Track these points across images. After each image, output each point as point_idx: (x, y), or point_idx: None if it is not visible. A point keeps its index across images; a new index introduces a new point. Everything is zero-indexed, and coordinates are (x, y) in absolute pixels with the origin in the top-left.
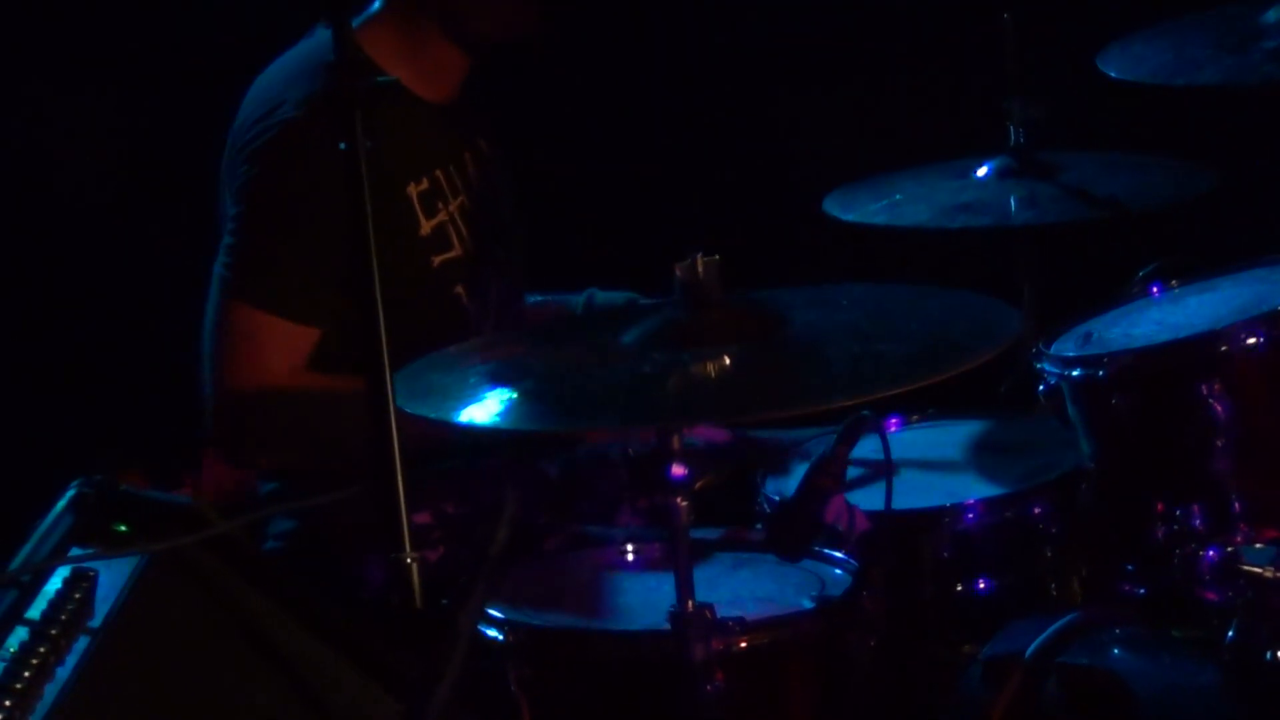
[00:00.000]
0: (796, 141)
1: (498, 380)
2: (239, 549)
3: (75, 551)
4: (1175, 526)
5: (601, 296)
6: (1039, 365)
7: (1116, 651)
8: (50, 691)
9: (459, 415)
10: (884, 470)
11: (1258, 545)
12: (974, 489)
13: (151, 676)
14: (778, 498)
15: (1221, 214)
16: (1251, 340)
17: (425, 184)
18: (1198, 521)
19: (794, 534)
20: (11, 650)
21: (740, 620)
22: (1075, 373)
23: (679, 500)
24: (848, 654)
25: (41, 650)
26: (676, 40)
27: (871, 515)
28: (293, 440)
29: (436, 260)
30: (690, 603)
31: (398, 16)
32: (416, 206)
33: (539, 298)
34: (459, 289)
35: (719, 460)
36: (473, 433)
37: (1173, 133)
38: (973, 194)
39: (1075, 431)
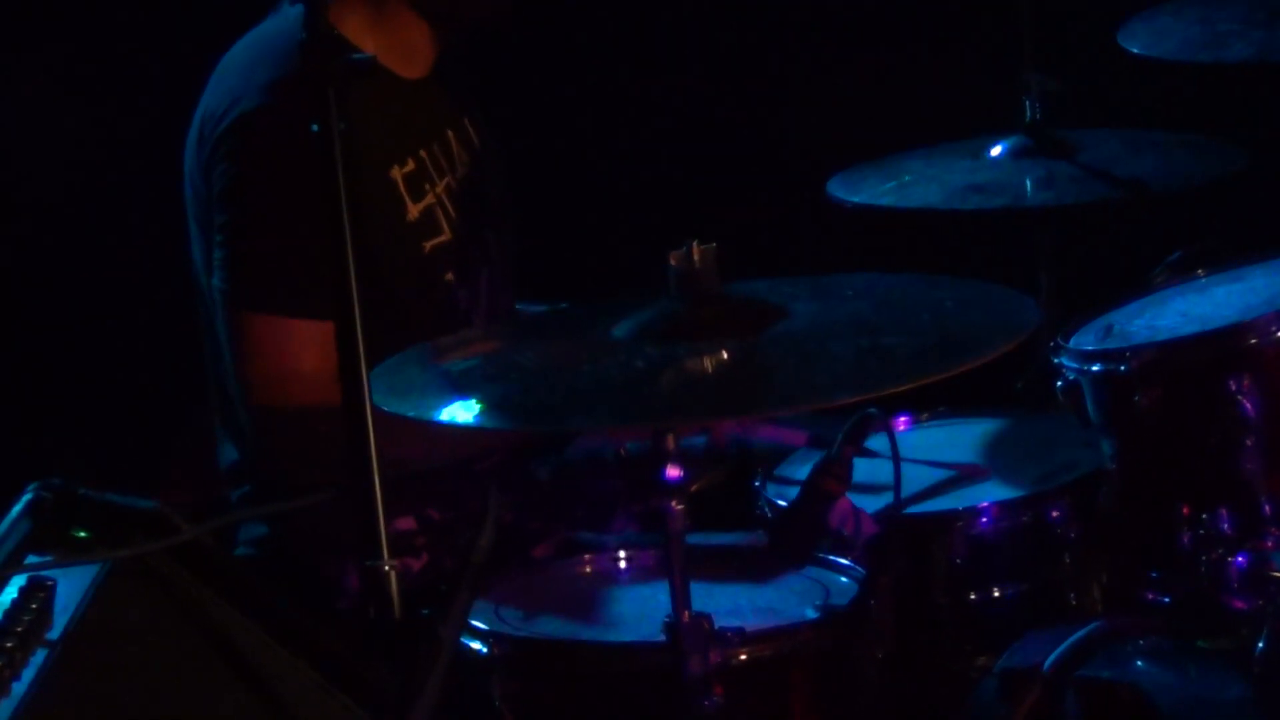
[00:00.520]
0: (798, 120)
1: (481, 377)
2: (207, 556)
3: (32, 559)
4: (1202, 531)
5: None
6: (1057, 359)
7: (1139, 664)
8: (5, 708)
9: (440, 414)
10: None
11: None
12: (988, 491)
13: (113, 691)
14: (780, 501)
15: (1251, 197)
16: None
17: (410, 165)
18: (1226, 525)
19: (797, 539)
20: None
21: (740, 631)
22: (1095, 367)
23: (674, 504)
24: (854, 667)
25: None
26: (673, 11)
27: (879, 519)
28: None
29: (427, 245)
30: (687, 613)
31: None
32: (402, 189)
33: (539, 308)
34: (450, 275)
35: (717, 461)
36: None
37: (1199, 110)
38: (986, 175)
39: (1095, 430)
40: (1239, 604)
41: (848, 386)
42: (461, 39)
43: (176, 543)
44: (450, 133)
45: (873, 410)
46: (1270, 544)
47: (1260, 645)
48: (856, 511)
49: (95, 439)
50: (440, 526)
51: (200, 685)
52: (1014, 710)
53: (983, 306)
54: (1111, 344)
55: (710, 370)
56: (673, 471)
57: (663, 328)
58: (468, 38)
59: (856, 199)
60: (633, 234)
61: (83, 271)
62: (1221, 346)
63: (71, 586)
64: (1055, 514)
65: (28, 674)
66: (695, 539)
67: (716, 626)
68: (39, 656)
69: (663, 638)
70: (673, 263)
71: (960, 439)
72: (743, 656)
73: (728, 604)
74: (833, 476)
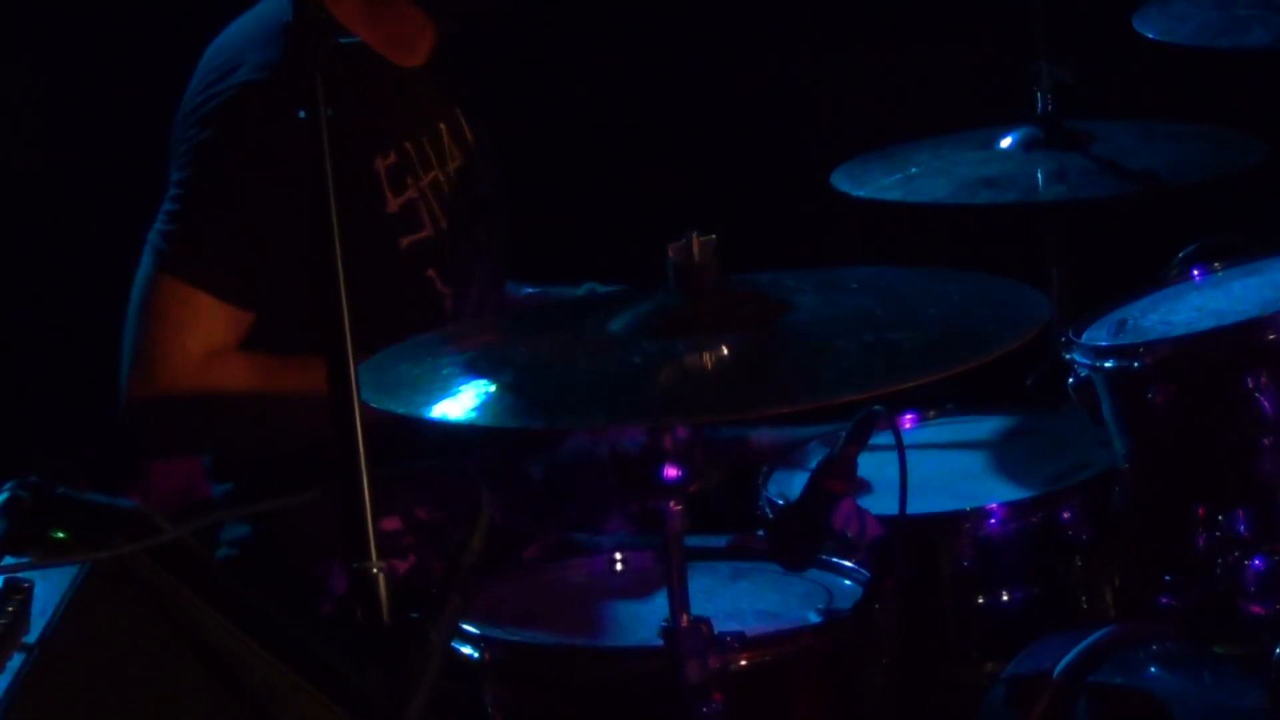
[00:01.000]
0: (802, 110)
1: (474, 372)
2: (188, 557)
3: (8, 560)
4: (1218, 533)
5: (604, 291)
6: (1069, 356)
7: (1153, 670)
8: None
9: (430, 410)
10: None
11: None
12: (997, 492)
13: (92, 695)
14: (781, 501)
15: (1269, 189)
16: None
17: (393, 157)
18: (1242, 527)
19: (799, 541)
20: None
21: (740, 636)
22: (1108, 364)
23: (672, 504)
24: (857, 673)
25: None
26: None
27: (884, 520)
28: (203, 431)
29: (404, 241)
30: (685, 617)
31: None
32: (383, 181)
33: (531, 290)
34: (431, 272)
35: (716, 460)
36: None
37: (1216, 100)
38: (996, 167)
39: (1108, 429)
40: (1256, 608)
41: (852, 383)
42: (459, 26)
43: (157, 544)
44: (442, 125)
45: (878, 408)
46: None
47: (1278, 651)
48: (860, 512)
49: (74, 436)
50: (428, 527)
51: (181, 689)
52: (1023, 718)
53: (992, 301)
54: (1125, 340)
55: (710, 366)
56: (671, 471)
57: (661, 322)
58: (465, 25)
59: (862, 192)
60: (632, 225)
61: (61, 267)
62: (1238, 342)
63: (49, 588)
64: (1066, 515)
65: (4, 679)
66: (694, 540)
67: (716, 631)
68: (16, 660)
69: (660, 642)
70: (672, 255)
71: (968, 437)
72: (743, 662)
73: (727, 607)
74: (836, 476)
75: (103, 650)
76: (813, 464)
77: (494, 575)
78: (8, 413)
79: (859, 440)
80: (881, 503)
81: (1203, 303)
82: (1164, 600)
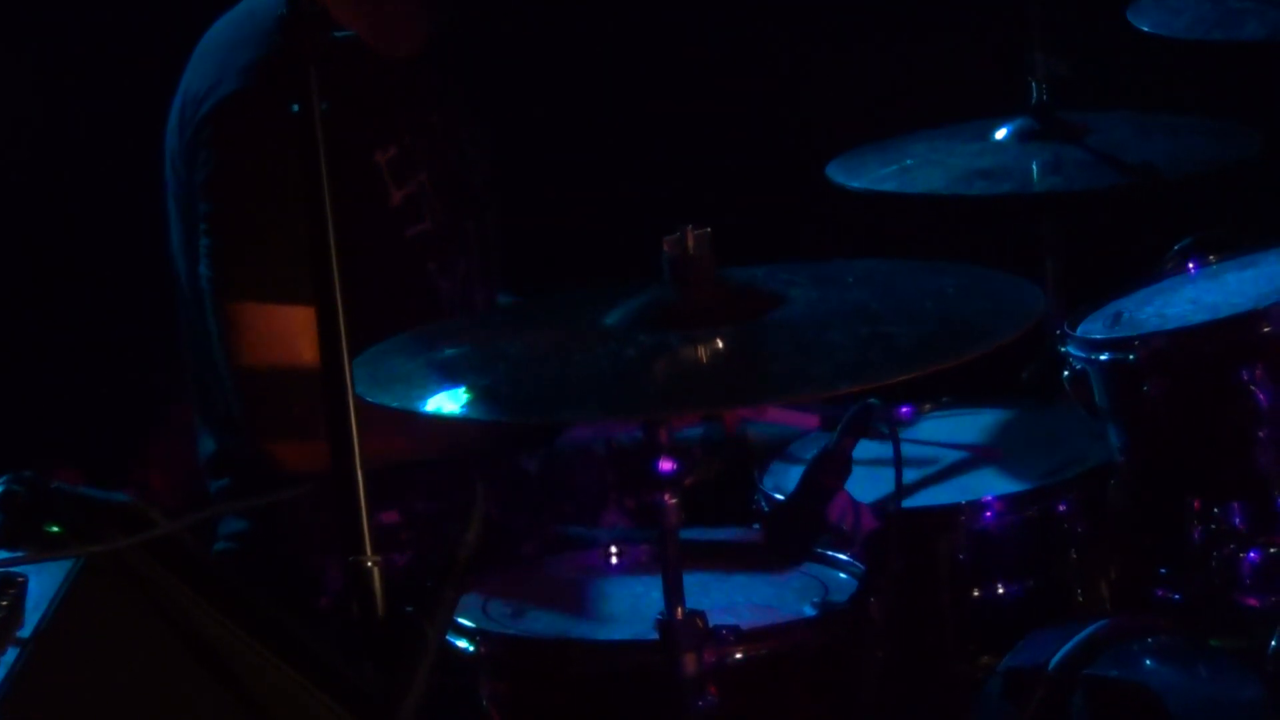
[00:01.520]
0: (797, 102)
1: (468, 366)
2: (183, 552)
3: (2, 555)
4: (1213, 526)
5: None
6: (1064, 349)
7: (1149, 663)
8: None
9: (425, 404)
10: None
11: None
12: (993, 485)
13: (86, 691)
14: (777, 495)
15: (1264, 182)
16: None
17: (393, 150)
18: (1238, 520)
19: (794, 534)
20: None
21: (735, 629)
22: (1104, 357)
23: (668, 498)
24: (853, 666)
25: None
26: None
27: (879, 513)
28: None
29: (409, 233)
30: (680, 610)
31: None
32: (386, 175)
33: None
34: (432, 265)
35: (711, 453)
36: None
37: (1212, 92)
38: (991, 158)
39: (1103, 422)
40: (1251, 601)
41: (848, 376)
42: (453, 20)
43: (152, 538)
44: (435, 117)
45: (873, 401)
46: None
47: (1274, 644)
48: (856, 505)
49: (72, 431)
50: (426, 520)
51: (176, 685)
52: (1019, 711)
53: (987, 294)
54: (1120, 332)
55: (705, 359)
56: (666, 464)
57: (656, 315)
58: (459, 19)
59: (857, 184)
60: (626, 218)
61: (58, 262)
62: (1233, 335)
63: (44, 583)
64: (1062, 508)
65: None
66: (689, 534)
67: (711, 624)
68: (10, 655)
69: (655, 636)
70: (666, 248)
71: (964, 430)
72: (738, 655)
73: (723, 601)
74: (831, 470)
75: (97, 645)
76: (808, 457)
77: (489, 569)
78: (6, 408)
79: (854, 434)
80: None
81: (1198, 295)
82: (1160, 593)
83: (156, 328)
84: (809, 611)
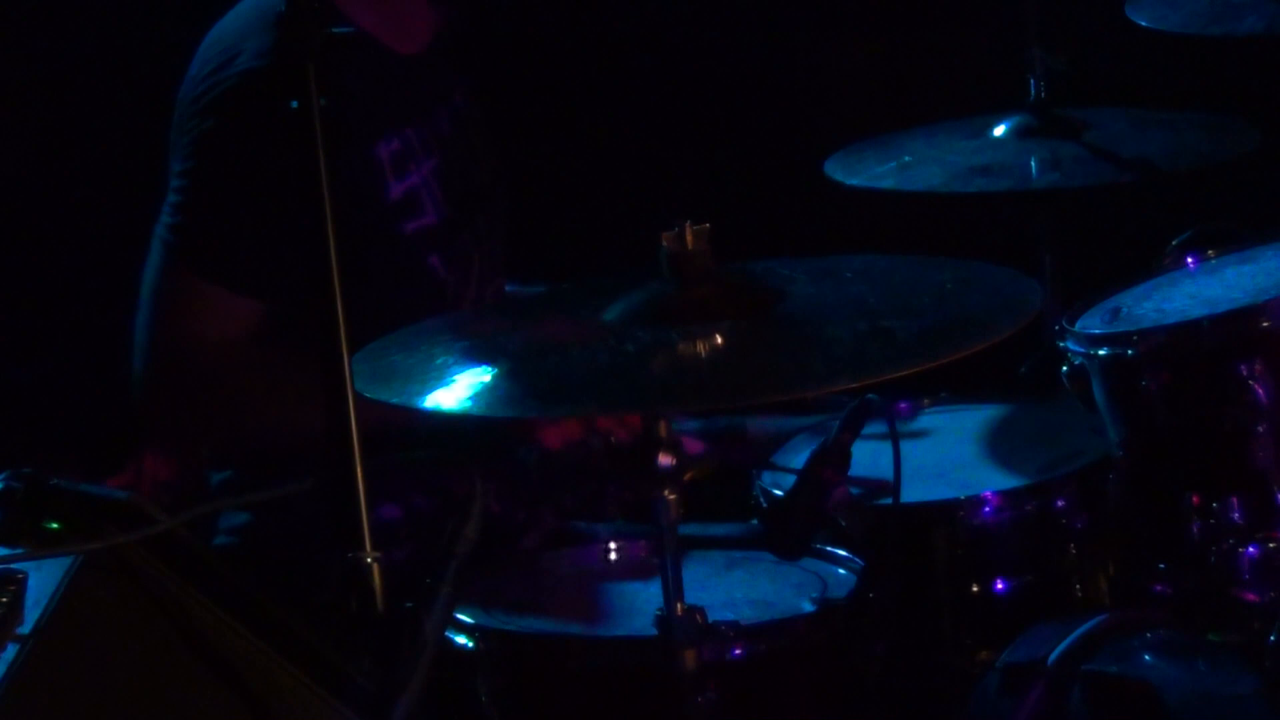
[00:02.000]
0: (796, 98)
1: (467, 361)
2: (182, 547)
3: (2, 551)
4: (1212, 521)
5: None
6: (1062, 344)
7: (1147, 658)
8: None
9: (424, 400)
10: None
11: None
12: (991, 480)
13: (87, 687)
14: (775, 491)
15: (1263, 176)
16: None
17: (396, 143)
18: (1237, 515)
19: (793, 530)
20: None
21: (734, 625)
22: (1102, 352)
23: (667, 493)
24: (852, 662)
25: None
26: None
27: (879, 509)
28: (220, 421)
29: (408, 227)
30: (679, 606)
31: None
32: (386, 168)
33: (514, 289)
34: (434, 259)
35: (711, 449)
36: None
37: (1209, 87)
38: (989, 155)
39: (1102, 417)
40: (1250, 596)
41: (846, 371)
42: (459, 14)
43: (151, 534)
44: (442, 111)
45: (872, 396)
46: None
47: (1272, 638)
48: (855, 501)
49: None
50: (425, 515)
51: (176, 680)
52: (1017, 706)
53: (985, 289)
54: (1119, 327)
55: (704, 355)
56: (665, 460)
57: (654, 311)
58: (465, 13)
59: (855, 181)
60: (625, 214)
61: (56, 255)
62: (1232, 330)
63: (43, 579)
64: (1060, 503)
65: None
66: (688, 529)
67: (710, 620)
68: (10, 652)
69: (655, 632)
70: (665, 243)
71: (962, 426)
72: (737, 651)
73: (722, 596)
74: (830, 465)
75: (97, 641)
76: (806, 453)
77: (488, 565)
78: (3, 403)
79: (853, 429)
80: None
81: (1197, 290)
82: (1158, 588)
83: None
84: (808, 607)
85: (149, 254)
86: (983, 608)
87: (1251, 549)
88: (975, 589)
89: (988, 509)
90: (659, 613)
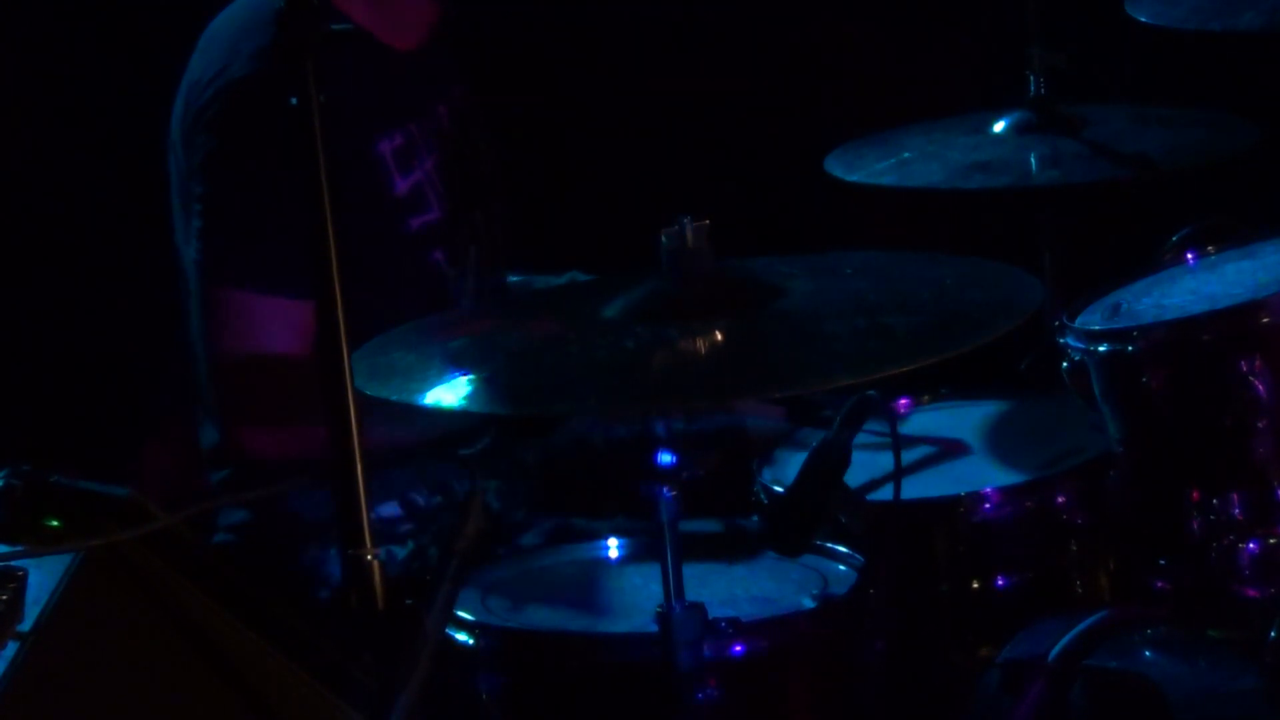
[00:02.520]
0: (795, 95)
1: (466, 359)
2: (182, 544)
3: (2, 549)
4: (1212, 517)
5: (584, 280)
6: (1062, 340)
7: (1148, 654)
8: None
9: (424, 397)
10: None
11: None
12: (991, 476)
13: (86, 684)
14: (776, 487)
15: (1263, 173)
16: None
17: (399, 139)
18: (1237, 511)
19: (794, 526)
20: None
21: (734, 621)
22: (1102, 348)
23: (667, 490)
24: (853, 658)
25: None
26: None
27: (879, 506)
28: (303, 421)
29: (414, 224)
30: (679, 603)
31: None
32: (390, 164)
33: (516, 278)
34: (437, 255)
35: (711, 446)
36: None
37: (1209, 83)
38: (989, 151)
39: (1102, 413)
40: (1250, 592)
41: (846, 368)
42: (458, 10)
43: (151, 530)
44: (442, 107)
45: (872, 393)
46: None
47: (1272, 634)
48: (855, 497)
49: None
50: (425, 513)
51: (175, 677)
52: (1018, 702)
53: (985, 285)
54: (1119, 323)
55: (703, 351)
56: (665, 457)
57: (654, 307)
58: (464, 8)
59: (855, 177)
60: (625, 210)
61: (60, 251)
62: (1232, 326)
63: (43, 577)
64: (1061, 499)
65: None
66: (688, 526)
67: (710, 617)
68: (10, 649)
69: (655, 628)
70: (665, 240)
71: (962, 422)
72: (738, 648)
73: (722, 593)
74: (830, 461)
75: (97, 638)
76: (807, 449)
77: (489, 562)
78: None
79: (853, 425)
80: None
81: (1197, 286)
82: (1159, 584)
83: (159, 321)
84: (808, 604)
85: (187, 286)
86: (983, 604)
87: (1252, 545)
88: (976, 585)
89: (988, 505)
90: (659, 609)
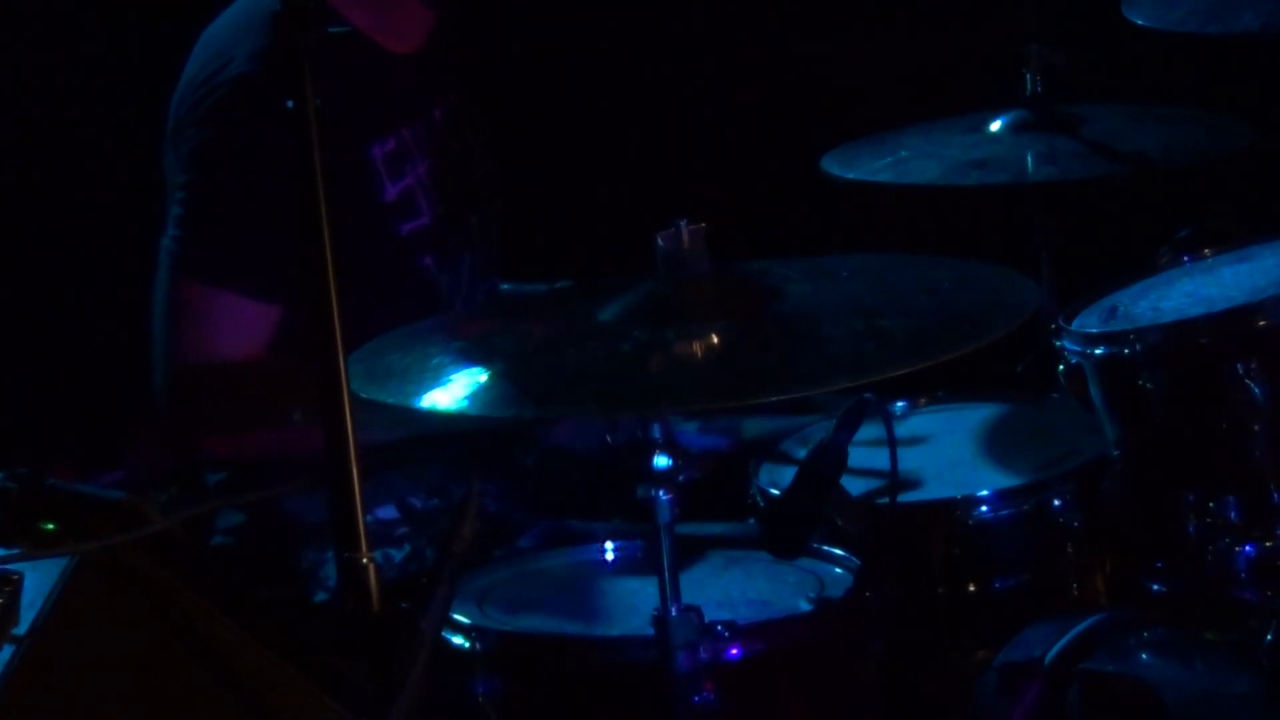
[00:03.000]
0: (792, 95)
1: (463, 361)
2: (178, 548)
3: None
4: (1209, 520)
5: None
6: (1059, 342)
7: (1144, 657)
8: None
9: (420, 400)
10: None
11: None
12: (988, 479)
13: (82, 688)
14: (772, 490)
15: (1260, 174)
16: None
17: (390, 144)
18: (1233, 514)
19: (790, 529)
20: None
21: (731, 624)
22: (1099, 351)
23: (663, 493)
24: (850, 661)
25: None
26: None
27: (876, 508)
28: (247, 424)
29: (403, 229)
30: (676, 605)
31: None
32: (381, 168)
33: (508, 287)
34: (427, 260)
35: (707, 449)
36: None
37: (1206, 83)
38: (986, 150)
39: (1098, 416)
40: (1247, 595)
41: (843, 370)
42: (455, 14)
43: (147, 534)
44: (437, 112)
45: (868, 395)
46: None
47: (1269, 637)
48: (852, 500)
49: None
50: (422, 515)
51: (172, 681)
52: (1014, 705)
53: (982, 287)
54: (1116, 326)
55: (700, 354)
56: (661, 460)
57: (651, 310)
58: (461, 13)
59: (852, 175)
60: (621, 213)
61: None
62: (1229, 329)
63: (39, 580)
64: (1057, 502)
65: None
66: (685, 528)
67: (707, 620)
68: (5, 652)
69: (651, 632)
70: (661, 243)
71: (959, 425)
72: (734, 651)
73: (719, 596)
74: (827, 464)
75: (93, 642)
76: (803, 453)
77: (485, 564)
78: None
79: (850, 428)
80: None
81: (1193, 289)
82: (1155, 587)
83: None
84: (805, 606)
85: (157, 270)
86: (980, 607)
87: (1248, 548)
88: (972, 588)
89: (985, 508)
90: (656, 612)
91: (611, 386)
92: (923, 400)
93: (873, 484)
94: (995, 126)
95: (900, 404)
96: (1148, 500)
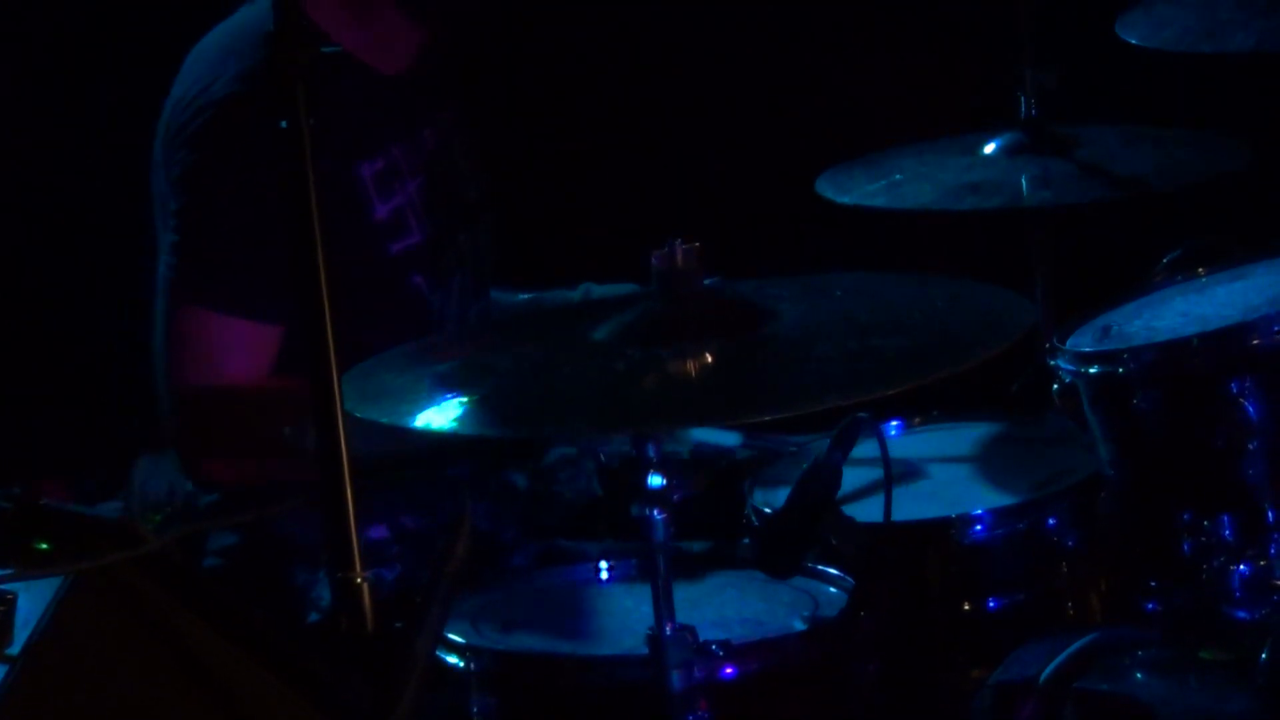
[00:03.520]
0: (786, 116)
1: (457, 381)
2: (172, 568)
3: None
4: (1203, 538)
5: (599, 291)
6: (1053, 362)
7: (1139, 675)
8: None
9: (414, 420)
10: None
11: None
12: (983, 498)
13: (76, 708)
14: (767, 509)
15: (1254, 194)
16: None
17: (380, 163)
18: (1228, 533)
19: (785, 549)
20: None
21: (725, 644)
22: (1093, 370)
23: (657, 512)
24: (844, 680)
25: None
26: (659, 4)
27: (871, 528)
28: (254, 446)
29: (394, 248)
30: (670, 625)
31: None
32: (370, 188)
33: (527, 296)
34: (419, 279)
35: (702, 467)
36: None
37: (1200, 104)
38: (980, 173)
39: (1093, 434)
40: (1242, 614)
41: (837, 390)
42: (445, 33)
43: (140, 554)
44: (427, 130)
45: (863, 415)
46: (1274, 552)
47: (1264, 656)
48: (845, 519)
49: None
50: (414, 535)
51: (166, 700)
52: None
53: (976, 306)
54: (1110, 345)
55: (694, 373)
56: (655, 479)
57: (645, 329)
58: (451, 31)
59: (846, 199)
60: (615, 231)
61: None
62: (1223, 348)
63: (33, 600)
64: (1052, 521)
65: None
66: (679, 548)
67: (701, 639)
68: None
69: (645, 651)
70: (655, 262)
71: (953, 444)
72: (728, 670)
73: (713, 615)
74: (822, 483)
75: (86, 662)
76: (797, 472)
77: (479, 583)
78: None
79: (844, 447)
80: (867, 509)
81: (1188, 308)
82: (1150, 606)
83: (150, 338)
84: (799, 626)
85: (155, 297)
86: (974, 626)
87: (1243, 567)
88: (967, 607)
89: (979, 527)
90: (650, 632)
91: (605, 406)
92: (917, 419)
93: (867, 503)
94: (990, 149)
95: (895, 423)
96: (1142, 519)
